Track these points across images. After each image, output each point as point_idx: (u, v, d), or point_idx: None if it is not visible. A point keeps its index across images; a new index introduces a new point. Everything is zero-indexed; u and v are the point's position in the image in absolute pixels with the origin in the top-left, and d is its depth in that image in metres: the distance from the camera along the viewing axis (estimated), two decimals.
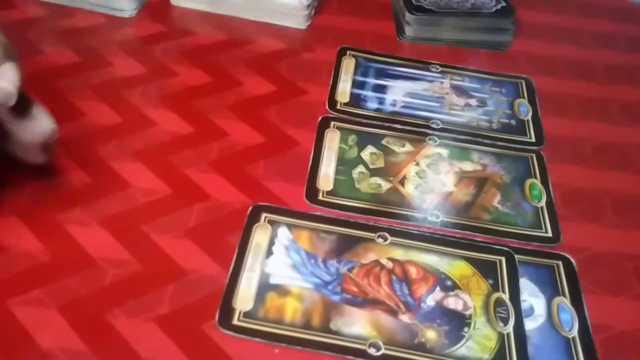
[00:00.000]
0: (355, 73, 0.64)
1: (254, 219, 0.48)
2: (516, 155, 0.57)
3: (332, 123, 0.58)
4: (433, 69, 0.66)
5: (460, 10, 0.71)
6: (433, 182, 0.54)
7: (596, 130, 0.61)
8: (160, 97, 0.58)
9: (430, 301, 0.45)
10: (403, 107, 0.61)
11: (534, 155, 0.57)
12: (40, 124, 0.47)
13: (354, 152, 0.56)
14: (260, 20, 0.69)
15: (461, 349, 0.42)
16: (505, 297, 0.45)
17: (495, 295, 0.45)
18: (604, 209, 0.54)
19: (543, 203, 0.53)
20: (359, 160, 0.55)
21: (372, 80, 0.63)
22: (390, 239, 0.48)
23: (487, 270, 0.47)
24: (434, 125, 0.59)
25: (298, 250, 0.47)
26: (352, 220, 0.49)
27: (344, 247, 0.47)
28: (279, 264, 0.46)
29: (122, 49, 0.63)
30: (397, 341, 0.42)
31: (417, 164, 0.55)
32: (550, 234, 0.51)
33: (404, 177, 0.54)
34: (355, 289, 0.45)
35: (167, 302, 0.43)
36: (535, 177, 0.55)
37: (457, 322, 0.44)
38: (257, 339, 0.41)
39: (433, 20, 0.70)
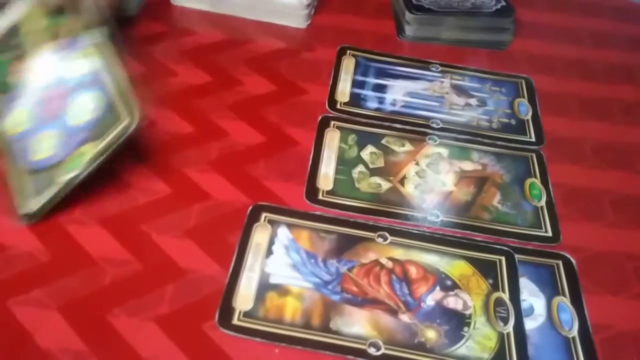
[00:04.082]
0: (355, 72, 0.64)
1: (254, 218, 0.48)
2: (516, 154, 0.57)
3: (332, 122, 0.58)
4: (433, 69, 0.66)
5: (460, 10, 0.71)
6: (433, 181, 0.54)
7: (596, 130, 0.61)
8: (160, 97, 0.58)
9: (430, 301, 0.45)
10: (403, 106, 0.61)
11: (534, 155, 0.57)
12: None
13: (353, 151, 0.56)
14: (260, 19, 0.69)
15: (461, 349, 0.42)
16: (505, 296, 0.45)
17: (495, 294, 0.45)
18: (604, 208, 0.54)
19: (543, 203, 0.53)
20: (359, 160, 0.55)
21: (372, 80, 0.63)
22: (390, 238, 0.48)
23: (487, 269, 0.47)
24: (434, 125, 0.59)
25: (298, 250, 0.47)
26: (352, 219, 0.49)
27: (344, 246, 0.47)
28: (279, 264, 0.46)
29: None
30: (397, 341, 0.42)
31: (417, 164, 0.55)
32: (550, 234, 0.51)
33: (404, 177, 0.54)
34: (355, 288, 0.45)
35: (167, 302, 0.43)
36: (535, 177, 0.55)
37: (457, 322, 0.44)
38: (257, 339, 0.41)
39: (433, 20, 0.70)
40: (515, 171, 0.56)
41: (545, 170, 0.56)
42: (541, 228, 0.51)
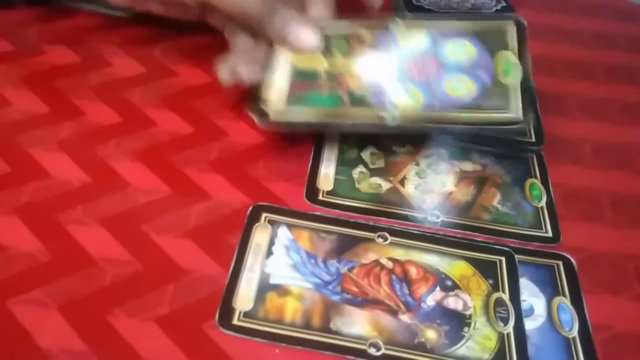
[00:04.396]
0: None
1: (254, 219, 0.48)
2: (516, 155, 0.57)
3: None
4: None
5: (460, 10, 0.71)
6: (433, 182, 0.54)
7: (596, 130, 0.61)
8: (160, 97, 0.58)
9: (430, 301, 0.45)
10: None
11: (534, 155, 0.57)
12: None
13: (354, 152, 0.56)
14: None
15: (461, 349, 0.42)
16: (506, 297, 0.45)
17: (495, 295, 0.45)
18: (604, 209, 0.54)
19: (543, 203, 0.53)
20: (359, 161, 0.55)
21: None
22: (390, 239, 0.48)
23: (487, 270, 0.47)
24: None
25: (298, 250, 0.47)
26: (352, 220, 0.49)
27: (344, 247, 0.47)
28: (279, 264, 0.46)
29: (122, 48, 0.63)
30: (397, 341, 0.42)
31: (418, 164, 0.55)
32: (550, 234, 0.51)
33: (404, 177, 0.54)
34: (355, 289, 0.45)
35: (167, 302, 0.43)
36: (536, 177, 0.55)
37: (457, 322, 0.44)
38: (257, 339, 0.41)
39: None
40: (516, 172, 0.56)
41: (545, 170, 0.56)
42: (541, 228, 0.51)
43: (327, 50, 0.53)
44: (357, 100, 0.48)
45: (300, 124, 0.49)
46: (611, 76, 0.69)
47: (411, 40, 0.50)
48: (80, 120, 0.55)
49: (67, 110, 0.56)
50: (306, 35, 0.52)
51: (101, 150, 0.52)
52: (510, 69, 0.48)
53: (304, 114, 0.49)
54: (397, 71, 0.49)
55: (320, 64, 0.52)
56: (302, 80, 0.51)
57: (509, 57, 0.48)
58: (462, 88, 0.48)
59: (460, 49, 0.50)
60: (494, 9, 0.71)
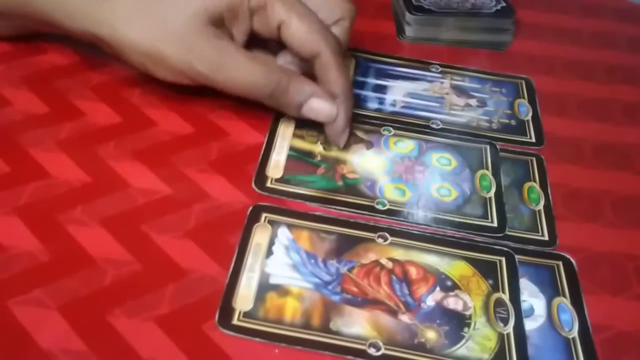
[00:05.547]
0: (355, 73, 0.64)
1: (254, 219, 0.48)
2: (515, 158, 0.57)
3: None
4: (433, 69, 0.66)
5: (460, 11, 0.71)
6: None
7: (596, 130, 0.61)
8: (160, 96, 0.58)
9: (430, 301, 0.45)
10: (403, 107, 0.61)
11: (534, 159, 0.57)
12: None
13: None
14: None
15: (461, 349, 0.42)
16: (506, 297, 0.45)
17: (495, 295, 0.45)
18: (604, 209, 0.54)
19: (541, 206, 0.53)
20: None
21: (372, 81, 0.64)
22: (390, 239, 0.48)
23: (487, 270, 0.47)
24: (434, 126, 0.59)
25: (298, 250, 0.47)
26: (352, 220, 0.49)
27: (344, 247, 0.47)
28: (279, 264, 0.46)
29: None
30: (397, 341, 0.42)
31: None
32: (546, 238, 0.50)
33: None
34: (355, 289, 0.45)
35: (167, 302, 0.43)
36: (535, 181, 0.55)
37: (457, 322, 0.44)
38: (257, 339, 0.41)
39: (433, 20, 0.70)
40: (514, 174, 0.56)
41: (544, 173, 0.56)
42: (538, 232, 0.51)
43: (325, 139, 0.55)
44: (351, 187, 0.52)
45: (297, 195, 0.51)
46: (611, 76, 0.69)
47: (400, 146, 0.55)
48: (80, 121, 0.55)
49: (67, 110, 0.56)
50: (322, 106, 0.53)
51: (101, 150, 0.52)
52: (488, 185, 0.53)
53: (300, 190, 0.51)
54: (387, 168, 0.53)
55: (317, 147, 0.55)
56: (298, 160, 0.53)
57: (487, 175, 0.53)
58: (446, 193, 0.52)
59: (444, 161, 0.55)
60: (494, 9, 0.71)
